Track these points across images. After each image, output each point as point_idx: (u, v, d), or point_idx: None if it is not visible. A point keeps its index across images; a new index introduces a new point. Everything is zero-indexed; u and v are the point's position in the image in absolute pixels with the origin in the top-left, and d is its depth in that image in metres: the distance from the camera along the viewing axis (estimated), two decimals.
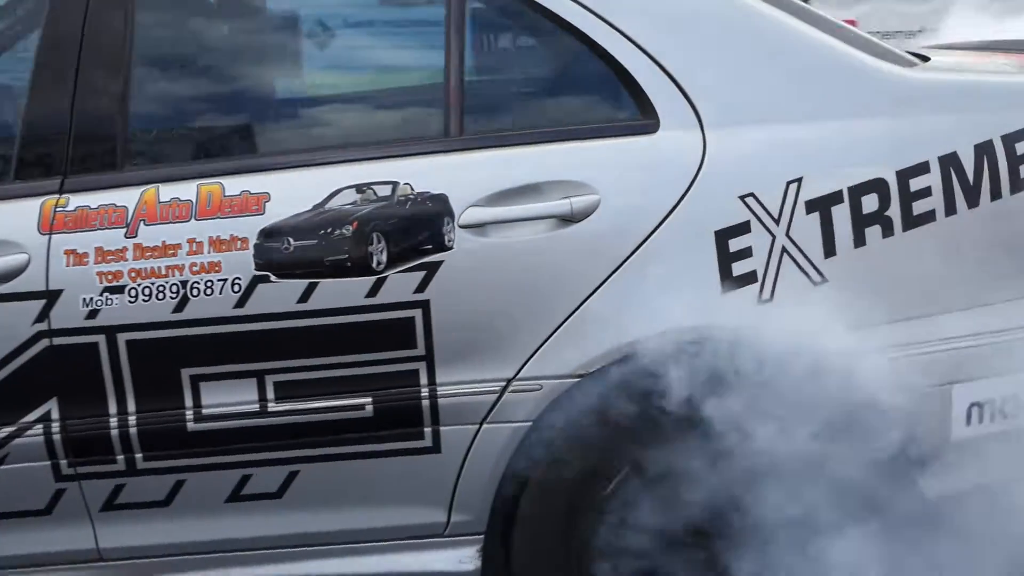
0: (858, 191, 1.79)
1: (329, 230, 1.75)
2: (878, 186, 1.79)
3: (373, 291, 1.75)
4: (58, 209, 1.77)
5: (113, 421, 1.79)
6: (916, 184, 1.81)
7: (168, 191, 1.77)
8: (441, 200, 1.75)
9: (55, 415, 1.79)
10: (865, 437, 1.78)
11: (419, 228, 1.75)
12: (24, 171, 1.81)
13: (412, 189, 1.76)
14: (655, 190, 1.78)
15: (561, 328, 1.78)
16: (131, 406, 1.79)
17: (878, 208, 1.80)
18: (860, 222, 1.79)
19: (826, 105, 1.85)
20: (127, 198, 1.77)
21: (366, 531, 1.87)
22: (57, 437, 1.79)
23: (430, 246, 1.75)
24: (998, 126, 1.84)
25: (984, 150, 1.83)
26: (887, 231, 1.80)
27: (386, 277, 1.75)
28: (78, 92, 1.80)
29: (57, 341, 1.76)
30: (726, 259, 1.77)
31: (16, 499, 1.83)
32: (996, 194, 1.83)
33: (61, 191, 1.78)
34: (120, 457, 1.81)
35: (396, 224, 1.75)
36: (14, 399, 1.78)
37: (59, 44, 1.82)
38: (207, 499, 1.84)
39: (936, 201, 1.81)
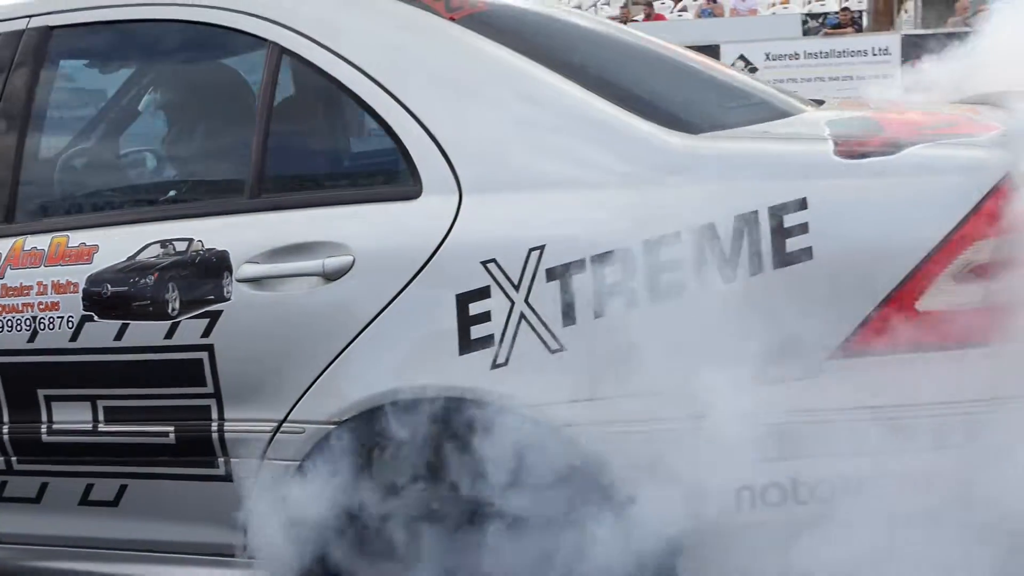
0: (600, 260, 1.76)
1: (136, 279, 2.01)
2: (622, 256, 1.75)
3: (170, 333, 1.99)
4: None
5: None
6: (665, 255, 1.75)
7: (31, 241, 2.12)
8: (223, 256, 1.95)
9: None
10: (576, 505, 1.76)
11: (205, 280, 1.96)
12: None
13: (202, 245, 1.98)
14: (405, 254, 1.86)
15: (321, 378, 1.91)
16: (6, 416, 2.17)
17: (622, 279, 1.76)
18: (602, 292, 1.76)
19: (580, 172, 1.83)
20: (4, 246, 2.15)
21: (182, 544, 2.10)
22: None
23: (212, 296, 1.96)
24: (765, 197, 1.73)
25: (745, 222, 1.73)
26: (631, 303, 1.75)
27: (180, 322, 1.98)
28: None
29: None
30: (465, 322, 1.82)
31: None
32: (756, 269, 1.72)
33: None
34: (1, 458, 2.19)
35: (187, 276, 1.98)
36: None
37: None
38: (64, 501, 2.17)
39: (686, 274, 1.74)
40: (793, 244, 1.71)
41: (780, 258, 1.71)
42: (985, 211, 1.66)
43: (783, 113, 2.11)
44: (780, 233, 1.71)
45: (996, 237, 1.66)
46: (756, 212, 1.72)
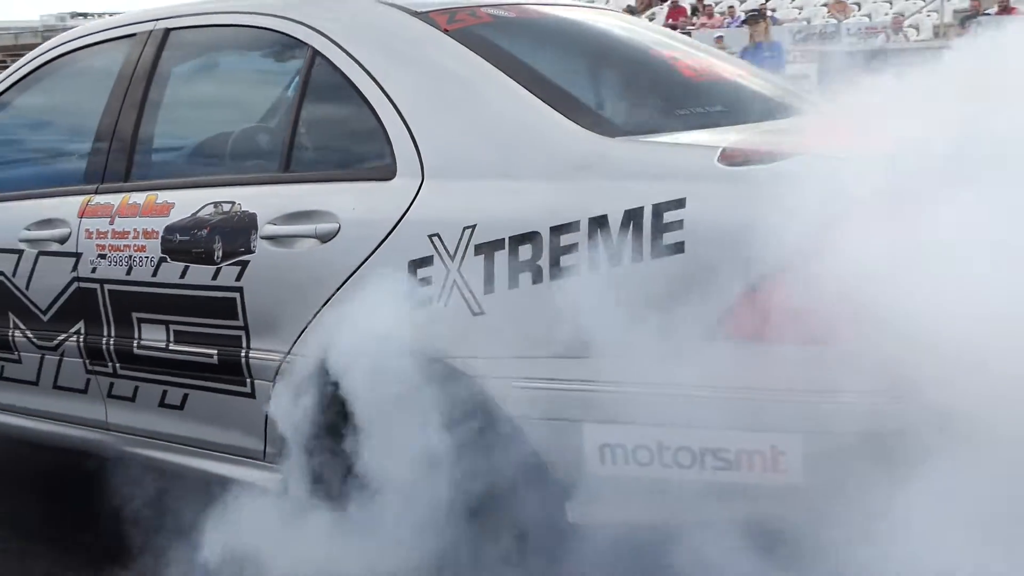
0: (516, 241, 2.08)
1: (195, 231, 2.54)
2: (533, 238, 2.07)
3: (215, 276, 2.51)
4: (88, 203, 2.81)
5: (105, 340, 2.80)
6: (565, 240, 2.04)
7: (133, 197, 2.72)
8: (253, 217, 2.45)
9: (82, 331, 2.85)
10: (492, 454, 2.10)
11: (239, 235, 2.47)
12: (86, 178, 2.89)
13: (241, 207, 2.48)
14: (374, 225, 2.27)
15: (313, 321, 2.37)
16: (112, 331, 2.78)
17: (531, 257, 2.07)
18: (516, 267, 2.09)
19: (511, 164, 2.16)
20: (117, 200, 2.75)
21: (226, 446, 2.63)
22: (82, 345, 2.85)
23: (243, 249, 2.46)
24: (652, 195, 1.98)
25: (632, 216, 1.99)
26: (537, 278, 2.07)
27: (221, 267, 2.50)
28: (116, 135, 2.82)
29: (80, 285, 2.81)
30: (413, 284, 2.20)
31: (69, 380, 2.94)
32: (638, 258, 1.98)
33: (96, 192, 2.83)
34: (109, 364, 2.82)
35: (229, 231, 2.49)
36: (63, 318, 2.88)
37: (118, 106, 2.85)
38: (148, 402, 2.76)
39: (581, 257, 2.03)
40: (670, 236, 1.96)
41: (658, 250, 1.97)
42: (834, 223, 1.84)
43: (739, 121, 2.31)
44: (659, 228, 1.97)
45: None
46: (642, 208, 1.99)
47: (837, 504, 1.86)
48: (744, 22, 12.88)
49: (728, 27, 15.70)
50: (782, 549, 1.91)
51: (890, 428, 1.82)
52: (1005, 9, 13.71)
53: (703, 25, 17.00)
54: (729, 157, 1.98)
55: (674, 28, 13.38)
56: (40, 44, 3.35)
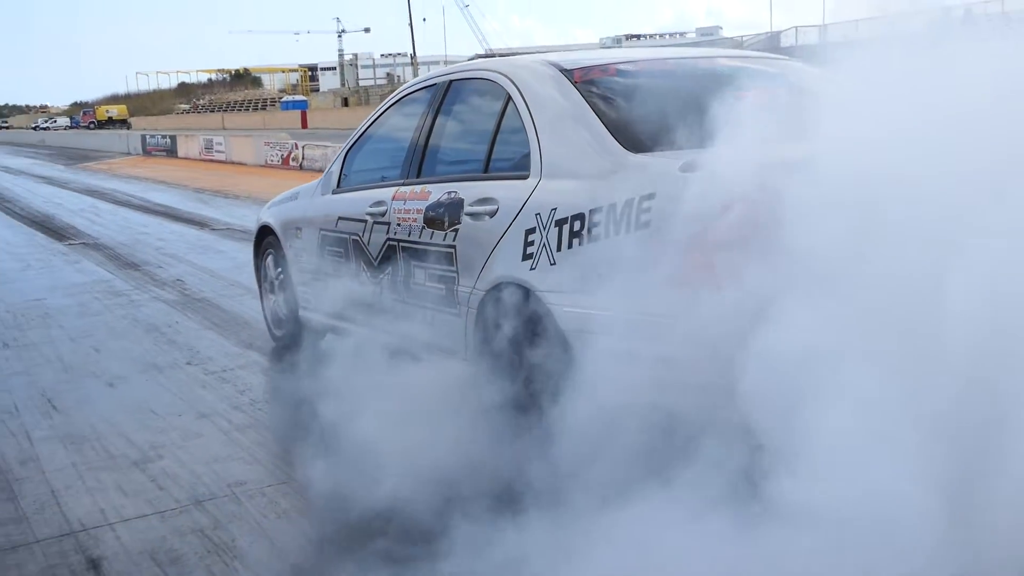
0: (574, 218, 3.28)
1: (438, 209, 4.03)
2: (581, 217, 3.25)
3: (444, 237, 3.98)
4: (396, 192, 4.42)
5: (400, 278, 4.40)
6: (596, 218, 3.20)
7: (415, 188, 4.28)
8: (461, 200, 3.88)
9: (391, 272, 4.47)
10: (552, 345, 3.33)
11: (456, 212, 3.91)
12: (400, 175, 4.51)
13: (458, 195, 3.92)
14: (513, 207, 3.58)
15: (484, 267, 3.73)
16: (402, 274, 4.37)
17: (579, 228, 3.26)
18: (572, 235, 3.28)
19: (579, 170, 3.36)
20: (407, 189, 4.33)
21: (443, 348, 4.09)
22: (390, 281, 4.48)
23: (457, 220, 3.90)
24: (639, 190, 3.07)
25: (627, 203, 3.09)
26: (580, 242, 3.25)
27: (446, 232, 3.96)
28: (415, 149, 4.41)
29: (389, 242, 4.43)
30: (527, 245, 3.48)
31: (384, 302, 4.58)
32: (628, 230, 3.08)
33: (401, 185, 4.43)
34: (401, 294, 4.41)
35: (451, 209, 3.94)
36: (382, 264, 4.52)
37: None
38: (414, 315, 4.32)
39: (602, 229, 3.17)
40: (643, 217, 3.04)
41: (637, 225, 3.06)
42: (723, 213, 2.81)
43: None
44: (639, 211, 3.06)
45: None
46: (631, 199, 3.09)
47: None
48: None
49: None
50: None
51: None
52: None
53: None
54: (686, 167, 3.01)
55: None
56: None
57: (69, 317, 7.18)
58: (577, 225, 3.28)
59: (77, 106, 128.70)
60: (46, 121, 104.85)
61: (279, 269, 5.77)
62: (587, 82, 3.65)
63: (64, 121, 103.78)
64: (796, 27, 33.27)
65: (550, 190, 3.48)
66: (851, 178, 2.69)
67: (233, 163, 26.73)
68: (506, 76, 3.93)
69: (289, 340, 5.67)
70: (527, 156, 3.67)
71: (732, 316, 2.80)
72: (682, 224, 2.94)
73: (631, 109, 3.52)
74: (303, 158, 22.75)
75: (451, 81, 4.40)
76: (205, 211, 14.35)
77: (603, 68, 3.76)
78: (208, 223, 12.86)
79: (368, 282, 4.64)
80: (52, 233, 12.67)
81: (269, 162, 24.63)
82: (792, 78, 3.94)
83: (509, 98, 3.86)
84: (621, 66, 3.82)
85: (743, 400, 2.65)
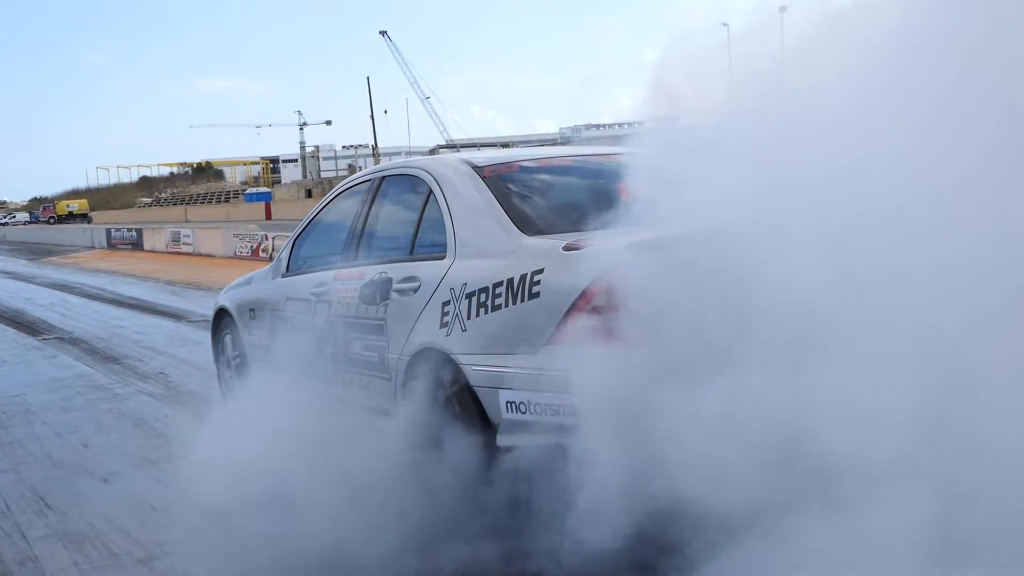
0: (480, 291, 3.90)
1: (371, 288, 4.64)
2: (486, 290, 3.87)
3: (376, 311, 4.58)
4: (337, 273, 5.02)
5: (342, 349, 4.98)
6: (497, 290, 3.82)
7: (350, 270, 4.88)
8: (390, 279, 4.49)
9: (334, 343, 5.05)
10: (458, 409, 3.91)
11: (385, 289, 4.52)
12: (340, 259, 5.12)
13: (387, 274, 4.54)
14: (431, 283, 4.20)
15: (409, 335, 4.32)
16: (343, 345, 4.95)
17: (485, 300, 3.87)
18: (479, 305, 3.90)
19: (486, 251, 4.00)
20: (346, 271, 4.94)
21: (375, 406, 4.66)
22: (333, 352, 5.06)
23: (386, 297, 4.50)
24: (528, 267, 3.70)
25: (522, 277, 3.72)
26: (485, 311, 3.86)
27: (378, 307, 4.56)
28: (352, 236, 5.04)
29: (331, 318, 5.02)
30: (443, 315, 4.08)
31: (329, 373, 5.14)
32: (523, 299, 3.70)
33: (340, 268, 5.03)
34: (342, 364, 4.98)
35: (382, 287, 4.56)
36: (326, 337, 5.11)
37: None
38: (353, 383, 4.89)
39: (501, 299, 3.79)
40: (535, 289, 3.66)
41: (530, 295, 3.68)
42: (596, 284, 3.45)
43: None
44: (531, 284, 3.68)
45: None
46: (525, 274, 3.72)
47: None
48: None
49: None
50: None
51: None
52: None
53: None
54: (568, 247, 3.65)
55: None
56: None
57: (52, 412, 7.13)
58: (483, 296, 3.90)
59: (36, 201, 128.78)
60: (5, 216, 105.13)
61: (235, 349, 6.32)
62: (495, 177, 4.31)
63: (24, 216, 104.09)
64: None
65: (462, 267, 4.10)
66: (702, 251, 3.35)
67: (201, 255, 27.17)
68: (428, 172, 4.59)
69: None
70: (444, 240, 4.30)
71: (607, 368, 3.43)
72: (564, 293, 3.57)
73: (528, 199, 4.18)
74: (272, 248, 23.38)
75: (384, 176, 5.06)
76: (179, 303, 14.38)
77: (508, 165, 4.44)
78: (184, 315, 12.83)
79: (313, 353, 5.20)
80: (24, 328, 12.65)
81: (239, 253, 25.23)
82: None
83: (430, 191, 4.50)
84: (524, 163, 4.50)
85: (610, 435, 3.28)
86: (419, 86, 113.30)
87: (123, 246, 33.98)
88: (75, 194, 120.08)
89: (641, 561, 3.41)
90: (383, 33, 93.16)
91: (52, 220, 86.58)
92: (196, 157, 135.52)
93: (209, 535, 4.24)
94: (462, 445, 3.96)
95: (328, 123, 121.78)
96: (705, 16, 3.90)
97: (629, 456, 3.27)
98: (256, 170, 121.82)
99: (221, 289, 7.03)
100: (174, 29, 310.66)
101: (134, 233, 34.19)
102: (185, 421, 6.36)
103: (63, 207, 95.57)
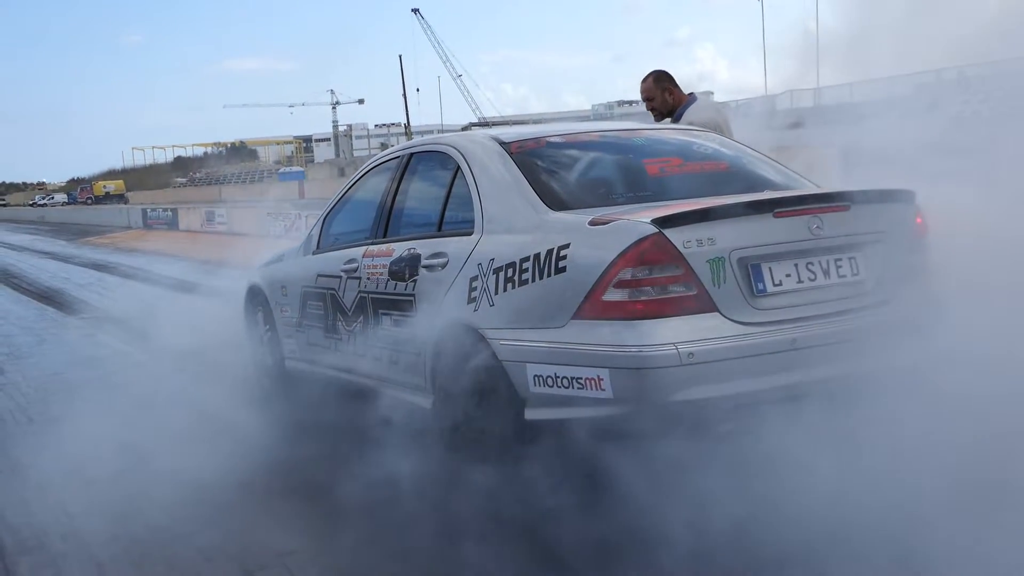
0: (508, 266, 3.91)
1: (400, 264, 4.67)
2: (513, 265, 3.88)
3: (405, 287, 4.61)
4: (367, 250, 5.06)
5: (371, 326, 5.02)
6: (524, 266, 3.83)
7: (380, 246, 4.92)
8: (419, 255, 4.52)
9: (363, 320, 5.10)
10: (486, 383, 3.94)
11: (414, 265, 4.55)
12: (369, 235, 5.16)
13: (416, 250, 4.57)
14: (459, 259, 4.21)
15: (439, 310, 4.35)
16: (371, 321, 5.00)
17: (512, 275, 3.88)
18: (507, 280, 3.91)
19: (512, 226, 4.01)
20: (375, 247, 4.97)
21: (405, 381, 4.70)
22: (362, 329, 5.10)
23: (415, 273, 4.53)
24: (555, 242, 3.71)
25: (548, 252, 3.73)
26: (513, 286, 3.88)
27: (407, 282, 4.59)
28: (382, 212, 5.07)
29: (361, 294, 5.07)
30: (471, 291, 4.10)
31: (359, 349, 5.18)
32: (549, 274, 3.72)
33: (370, 244, 5.06)
34: (375, 341, 5.02)
35: (411, 263, 4.59)
36: (356, 314, 5.15)
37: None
38: (381, 357, 4.93)
39: (529, 275, 3.80)
40: (561, 264, 3.68)
41: (556, 270, 3.69)
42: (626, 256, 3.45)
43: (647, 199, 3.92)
44: (558, 259, 3.69)
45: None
46: (552, 249, 3.73)
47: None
48: None
49: None
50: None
51: None
52: None
53: None
54: (594, 222, 3.66)
55: None
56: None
57: (93, 390, 6.99)
58: (510, 272, 3.92)
59: (74, 182, 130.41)
60: (44, 198, 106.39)
61: (267, 325, 6.39)
62: (522, 153, 4.32)
63: (61, 197, 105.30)
64: (791, 91, 33.80)
65: (489, 244, 4.12)
66: None
67: (235, 234, 27.32)
68: (456, 148, 4.60)
69: (278, 388, 6.26)
70: (471, 216, 4.31)
71: (629, 339, 3.45)
72: (590, 268, 3.58)
73: (555, 175, 4.19)
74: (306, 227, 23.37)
75: (412, 153, 5.08)
76: (215, 282, 13.36)
77: (536, 140, 4.44)
78: (218, 293, 11.88)
79: (344, 330, 5.25)
80: (63, 307, 12.63)
81: (272, 232, 25.35)
82: (698, 148, 4.61)
83: (458, 167, 4.52)
84: (551, 139, 4.50)
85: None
86: (451, 64, 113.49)
87: (159, 226, 34.28)
88: (111, 175, 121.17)
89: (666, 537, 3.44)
90: (415, 11, 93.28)
91: (89, 201, 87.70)
92: (230, 137, 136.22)
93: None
94: (491, 419, 4.00)
95: (361, 102, 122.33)
96: None
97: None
98: (289, 149, 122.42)
99: (254, 267, 7.07)
100: (207, 10, 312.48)
101: (169, 213, 34.48)
102: (223, 399, 6.25)
103: (100, 188, 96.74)
